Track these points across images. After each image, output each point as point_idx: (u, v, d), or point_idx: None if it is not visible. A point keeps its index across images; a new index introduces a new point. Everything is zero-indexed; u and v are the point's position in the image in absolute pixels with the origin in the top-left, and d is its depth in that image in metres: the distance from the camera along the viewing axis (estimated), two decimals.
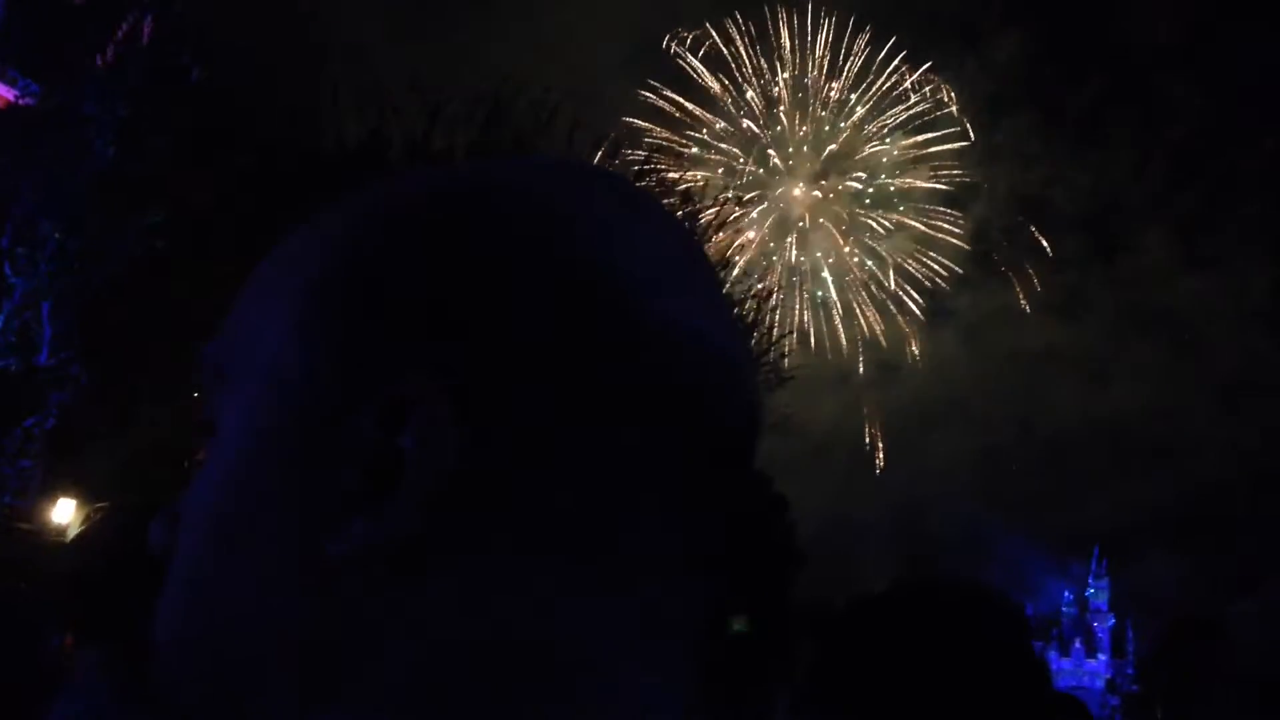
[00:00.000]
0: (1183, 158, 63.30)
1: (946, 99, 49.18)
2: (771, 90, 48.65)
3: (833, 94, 48.70)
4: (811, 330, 48.54)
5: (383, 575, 0.43)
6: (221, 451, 0.48)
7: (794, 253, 49.34)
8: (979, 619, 1.24)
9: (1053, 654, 43.33)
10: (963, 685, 1.18)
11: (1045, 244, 51.71)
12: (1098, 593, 46.92)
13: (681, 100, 47.34)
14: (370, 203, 0.50)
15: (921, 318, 50.11)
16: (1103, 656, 45.80)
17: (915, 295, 49.55)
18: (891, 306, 49.92)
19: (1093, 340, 61.99)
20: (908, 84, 48.49)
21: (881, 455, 50.99)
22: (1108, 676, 43.30)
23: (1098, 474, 57.36)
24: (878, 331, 49.80)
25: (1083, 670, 44.85)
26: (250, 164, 13.00)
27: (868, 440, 51.03)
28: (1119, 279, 63.30)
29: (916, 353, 49.87)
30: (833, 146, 49.60)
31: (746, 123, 48.25)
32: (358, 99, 14.27)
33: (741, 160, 48.11)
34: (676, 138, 45.57)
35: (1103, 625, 46.20)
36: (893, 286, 49.36)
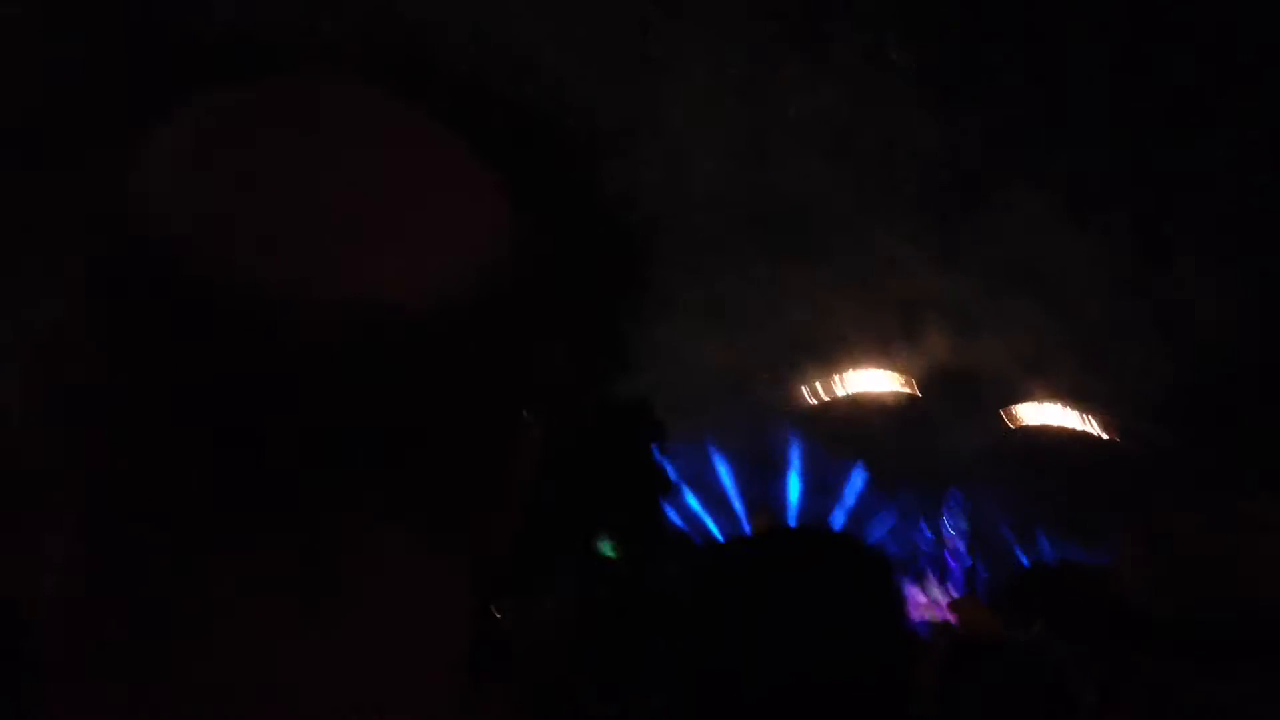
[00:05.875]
0: (1060, 112, 65.23)
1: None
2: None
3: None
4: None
5: None
6: None
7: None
8: (851, 568, 1.22)
9: (911, 587, 45.45)
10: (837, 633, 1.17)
11: (918, 191, 52.95)
12: (957, 533, 49.35)
13: None
14: None
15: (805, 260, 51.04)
16: (954, 591, 48.28)
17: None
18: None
19: (965, 292, 64.09)
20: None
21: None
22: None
23: (960, 421, 59.75)
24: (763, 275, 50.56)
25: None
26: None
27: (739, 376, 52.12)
28: (993, 232, 65.33)
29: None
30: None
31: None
32: None
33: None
34: None
35: (959, 564, 48.70)
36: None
